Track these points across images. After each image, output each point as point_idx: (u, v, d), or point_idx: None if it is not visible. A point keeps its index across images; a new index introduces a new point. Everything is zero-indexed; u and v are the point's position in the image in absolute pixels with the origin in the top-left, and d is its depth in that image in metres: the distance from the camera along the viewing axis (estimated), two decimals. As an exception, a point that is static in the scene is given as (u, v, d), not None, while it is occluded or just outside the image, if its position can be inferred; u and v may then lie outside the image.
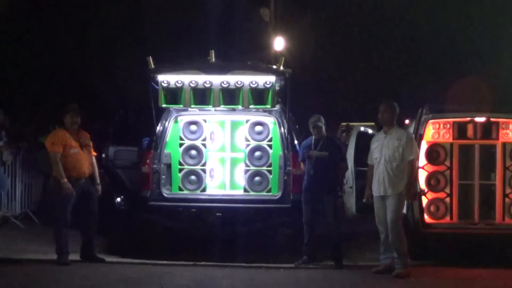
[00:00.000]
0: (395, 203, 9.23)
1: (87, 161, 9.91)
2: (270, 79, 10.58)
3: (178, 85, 10.64)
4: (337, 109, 27.45)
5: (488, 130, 10.09)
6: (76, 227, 10.02)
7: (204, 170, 11.24)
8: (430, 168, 10.12)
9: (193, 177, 11.20)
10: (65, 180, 9.60)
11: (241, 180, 11.23)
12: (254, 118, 11.23)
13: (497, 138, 10.08)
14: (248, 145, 11.23)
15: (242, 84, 10.59)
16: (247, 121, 11.27)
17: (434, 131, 10.13)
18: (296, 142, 11.23)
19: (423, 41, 28.85)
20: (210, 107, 10.84)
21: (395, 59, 29.30)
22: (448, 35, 28.05)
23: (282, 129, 10.95)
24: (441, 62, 28.52)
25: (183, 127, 11.29)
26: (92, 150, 10.13)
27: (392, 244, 9.26)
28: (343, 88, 30.35)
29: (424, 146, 10.06)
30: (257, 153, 11.18)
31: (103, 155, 12.59)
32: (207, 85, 10.60)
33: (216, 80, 10.61)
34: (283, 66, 10.65)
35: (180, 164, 11.24)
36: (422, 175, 10.03)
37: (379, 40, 29.43)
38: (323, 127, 10.20)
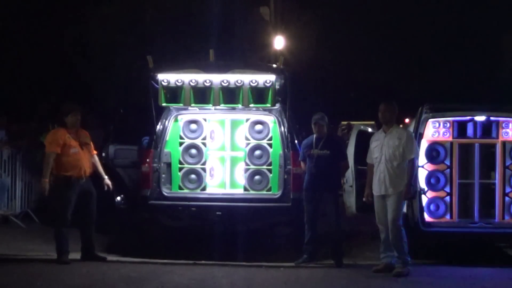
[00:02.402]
0: (396, 202, 9.23)
1: (88, 160, 9.91)
2: (270, 78, 10.58)
3: (178, 84, 10.64)
4: (337, 108, 27.44)
5: (488, 129, 10.10)
6: (75, 226, 10.04)
7: (204, 169, 11.24)
8: (430, 167, 10.14)
9: (193, 176, 11.20)
10: (46, 179, 9.63)
11: (241, 179, 11.23)
12: (254, 117, 11.23)
13: (497, 137, 10.09)
14: (248, 144, 11.23)
15: (242, 83, 10.59)
16: (247, 120, 11.27)
17: (434, 130, 10.15)
18: (295, 141, 11.23)
19: (424, 40, 28.89)
20: (210, 106, 10.84)
21: (395, 57, 29.31)
22: (448, 33, 28.07)
23: (282, 128, 10.95)
24: (441, 61, 28.56)
25: (183, 126, 11.29)
26: (92, 148, 10.13)
27: (393, 243, 9.27)
28: (343, 87, 30.37)
29: (424, 145, 10.07)
30: (257, 152, 11.18)
31: (103, 154, 12.60)
32: (207, 84, 10.60)
33: (216, 79, 10.60)
34: (283, 65, 10.65)
35: (180, 163, 11.24)
36: (422, 174, 10.04)
37: (379, 38, 29.44)
38: (325, 126, 10.19)
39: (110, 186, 10.13)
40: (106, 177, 10.12)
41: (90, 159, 9.97)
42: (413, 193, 9.53)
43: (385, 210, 9.33)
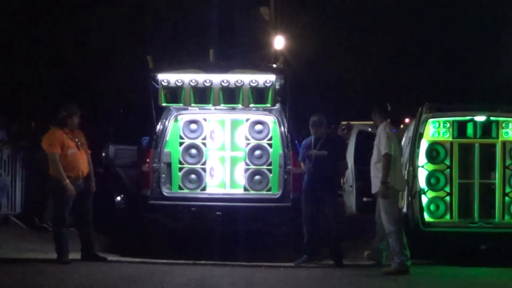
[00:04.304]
0: (381, 204, 9.28)
1: (85, 160, 9.88)
2: (270, 78, 10.58)
3: (178, 84, 10.64)
4: (337, 108, 27.45)
5: (488, 129, 10.10)
6: (74, 226, 10.04)
7: (204, 169, 11.24)
8: (430, 167, 10.14)
9: (193, 176, 11.21)
10: (67, 181, 9.56)
11: (241, 179, 11.23)
12: (254, 117, 11.23)
13: (497, 137, 10.09)
14: (248, 144, 11.23)
15: (242, 83, 10.59)
16: (247, 120, 11.28)
17: (434, 130, 10.15)
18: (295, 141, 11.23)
19: (423, 39, 28.89)
20: (210, 106, 10.84)
21: (396, 57, 29.31)
22: (448, 32, 28.08)
23: (282, 128, 10.96)
24: (441, 59, 28.56)
25: (183, 126, 11.29)
26: (87, 148, 10.10)
27: (390, 244, 9.28)
28: (343, 86, 30.36)
29: (424, 145, 10.07)
30: (257, 152, 11.19)
31: (103, 154, 12.59)
32: (207, 84, 10.61)
33: (216, 79, 10.60)
34: (283, 65, 10.65)
35: (180, 163, 11.25)
36: (422, 174, 10.05)
37: (380, 37, 29.44)
38: (322, 127, 10.16)
39: (93, 188, 10.03)
40: (93, 179, 10.05)
41: (86, 159, 9.94)
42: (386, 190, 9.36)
43: (379, 209, 9.40)
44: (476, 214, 10.05)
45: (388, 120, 9.60)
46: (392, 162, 9.21)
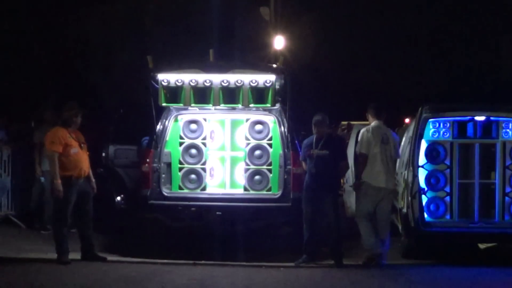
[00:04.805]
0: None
1: (86, 160, 9.89)
2: (270, 78, 10.58)
3: (178, 84, 10.64)
4: (337, 108, 27.44)
5: (488, 129, 10.11)
6: (74, 226, 10.03)
7: (204, 169, 11.24)
8: (430, 167, 10.15)
9: (193, 176, 11.21)
10: (59, 181, 9.57)
11: (241, 179, 11.23)
12: (254, 117, 11.24)
13: (497, 137, 10.10)
14: (248, 144, 11.23)
15: (242, 83, 10.60)
16: (247, 120, 11.28)
17: (434, 130, 10.16)
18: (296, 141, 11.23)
19: (424, 40, 28.91)
20: (210, 106, 10.84)
21: (396, 57, 29.34)
22: (448, 32, 28.10)
23: (282, 128, 10.96)
24: (441, 61, 28.58)
25: (183, 126, 11.29)
26: (86, 148, 10.10)
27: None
28: (343, 86, 30.38)
29: (424, 145, 10.08)
30: (257, 152, 11.19)
31: (103, 154, 12.59)
32: (207, 84, 10.61)
33: (216, 79, 10.61)
34: (283, 65, 10.65)
35: (180, 163, 11.25)
36: (422, 174, 10.06)
37: (379, 37, 29.46)
38: (325, 127, 10.15)
39: (95, 190, 10.04)
40: (93, 180, 10.06)
41: (87, 159, 9.95)
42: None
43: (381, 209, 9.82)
44: (476, 214, 10.06)
45: (381, 120, 9.72)
46: (369, 159, 9.66)
